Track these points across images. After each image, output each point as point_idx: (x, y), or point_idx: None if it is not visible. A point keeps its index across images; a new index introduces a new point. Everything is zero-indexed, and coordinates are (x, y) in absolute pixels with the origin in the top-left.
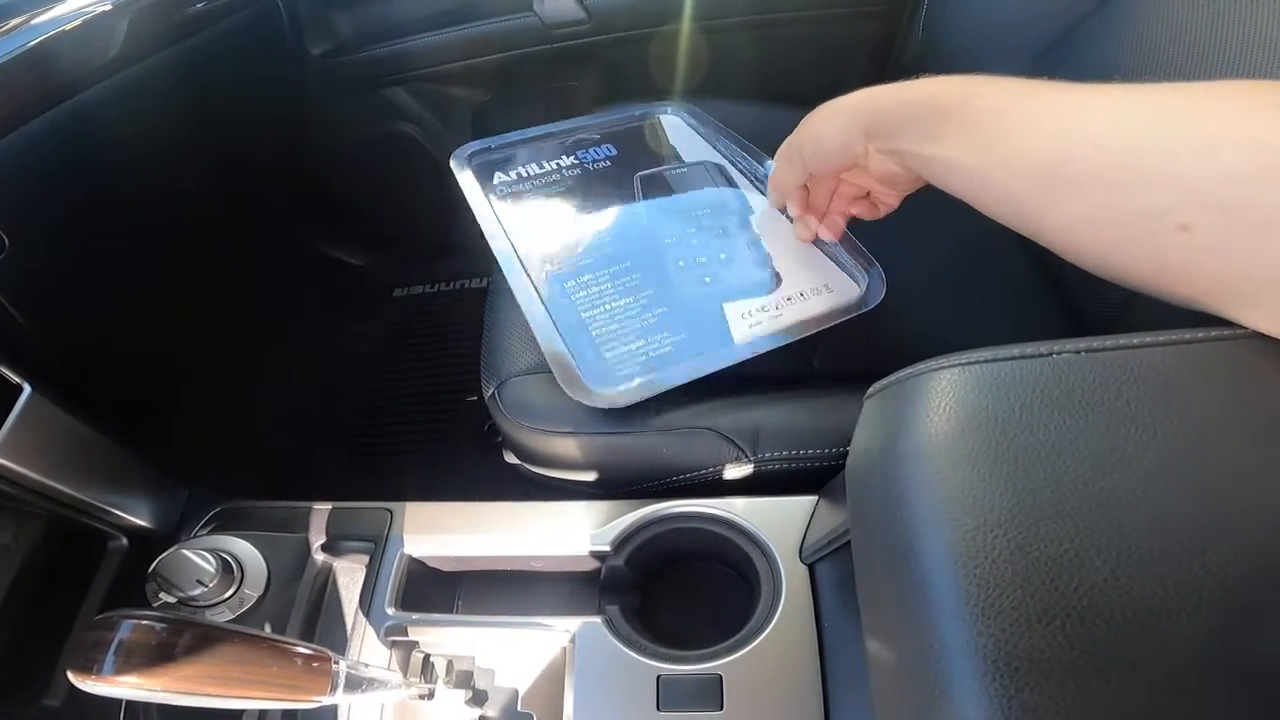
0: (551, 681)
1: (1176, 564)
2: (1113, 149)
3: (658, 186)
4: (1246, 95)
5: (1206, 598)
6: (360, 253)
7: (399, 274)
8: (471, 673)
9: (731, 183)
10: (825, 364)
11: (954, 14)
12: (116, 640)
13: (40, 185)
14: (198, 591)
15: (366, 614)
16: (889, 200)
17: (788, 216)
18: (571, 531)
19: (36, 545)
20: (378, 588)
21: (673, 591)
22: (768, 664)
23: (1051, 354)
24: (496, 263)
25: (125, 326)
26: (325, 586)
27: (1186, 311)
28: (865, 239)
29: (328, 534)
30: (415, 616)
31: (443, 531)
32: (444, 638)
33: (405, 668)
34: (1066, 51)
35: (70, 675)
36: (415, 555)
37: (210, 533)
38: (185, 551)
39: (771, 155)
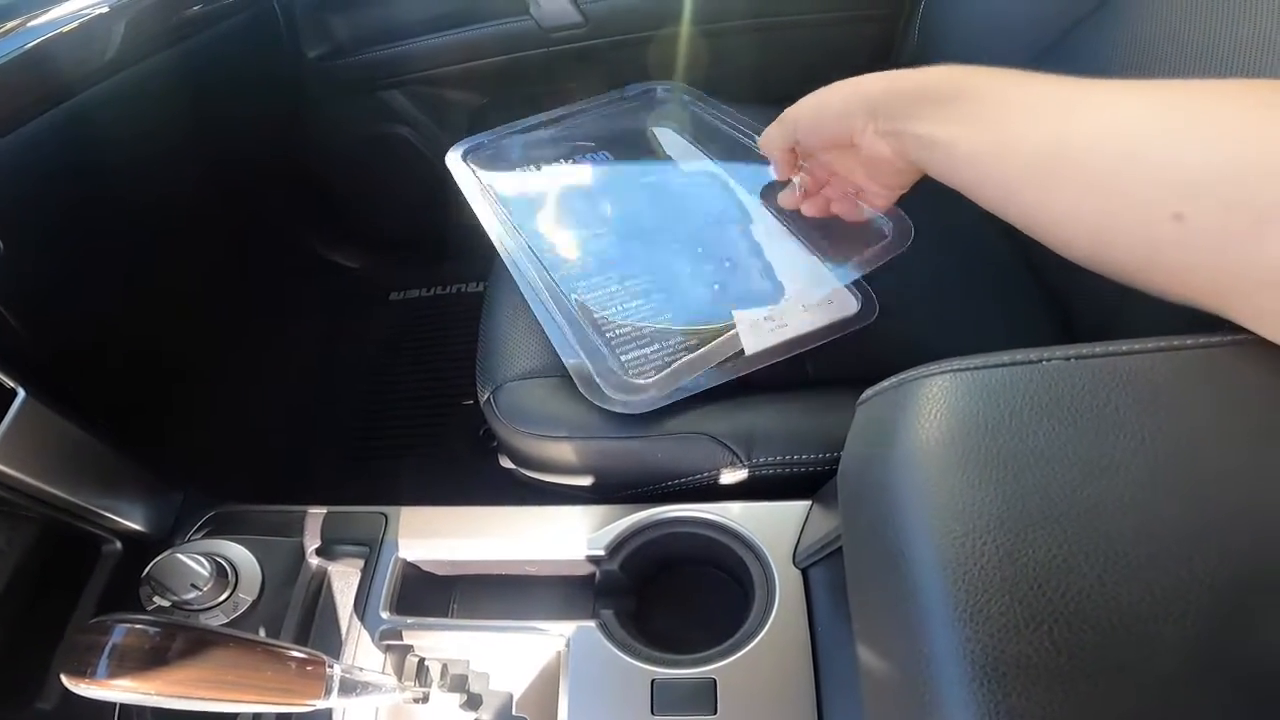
0: (546, 685)
1: (1164, 570)
2: (1113, 137)
3: (658, 193)
4: (1252, 93)
5: (1194, 603)
6: (357, 256)
7: (395, 277)
8: (466, 677)
9: (731, 193)
10: (820, 369)
11: (951, 17)
12: (110, 644)
13: (36, 187)
14: (192, 595)
15: (361, 618)
16: (875, 202)
17: (779, 218)
18: (566, 536)
19: (30, 549)
20: (372, 592)
21: (667, 596)
22: (761, 668)
23: (1042, 361)
24: (495, 267)
25: (120, 330)
26: (320, 590)
27: (1176, 320)
28: None
29: (322, 538)
30: (410, 620)
31: (438, 535)
32: (439, 642)
33: (400, 672)
34: (1063, 54)
35: (63, 679)
36: (410, 559)
37: (205, 537)
38: (179, 555)
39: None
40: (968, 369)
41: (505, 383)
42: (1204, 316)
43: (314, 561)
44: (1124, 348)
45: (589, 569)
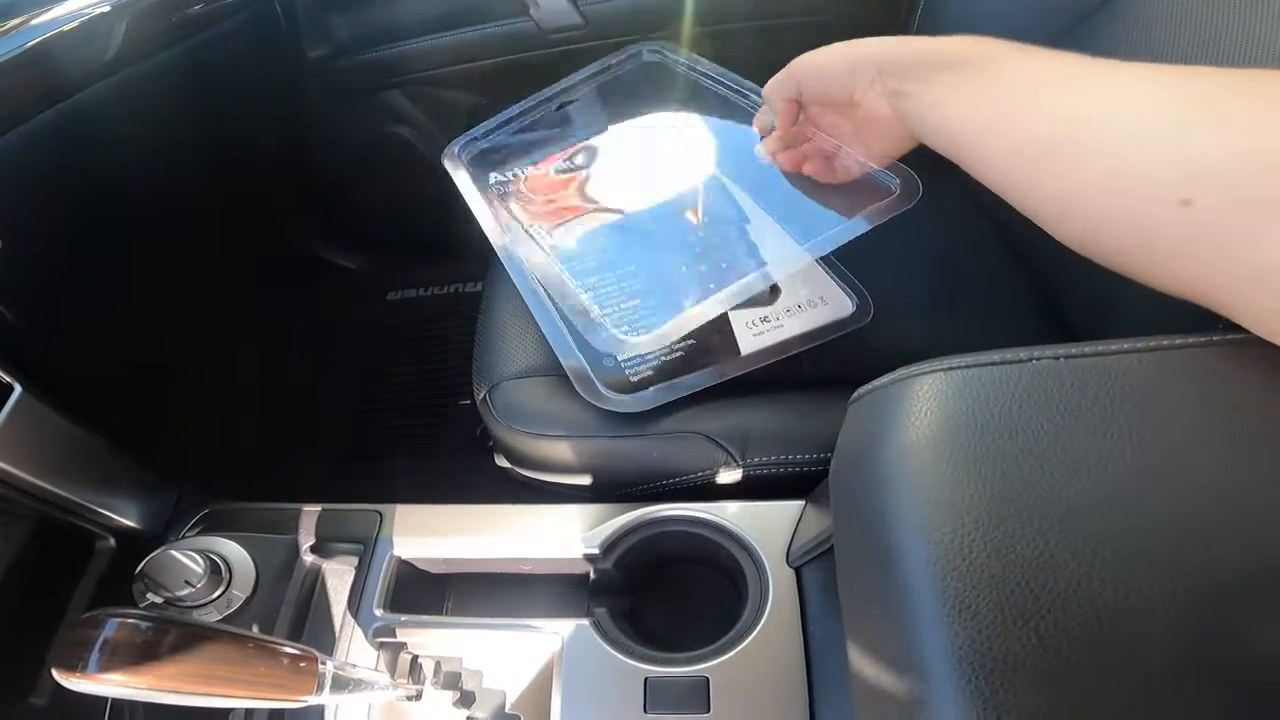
0: (539, 683)
1: (1150, 567)
2: (1126, 117)
3: (655, 190)
4: (1266, 83)
5: (1180, 601)
6: (355, 255)
7: (393, 277)
8: (459, 674)
9: (728, 194)
10: (815, 369)
11: (951, 18)
12: (102, 638)
13: (36, 185)
14: (185, 592)
15: (355, 615)
16: (852, 169)
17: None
18: (561, 534)
19: (24, 544)
20: (366, 589)
21: (661, 594)
22: (754, 666)
23: (1031, 360)
24: (492, 267)
25: (117, 327)
26: (314, 588)
27: (1169, 321)
28: (857, 248)
29: (317, 535)
30: (404, 618)
31: (432, 534)
32: (432, 639)
33: (393, 669)
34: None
35: (55, 673)
36: (405, 557)
37: (199, 533)
38: (173, 552)
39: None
40: (958, 368)
41: (501, 381)
42: (1197, 318)
43: (308, 559)
44: (1113, 347)
45: (583, 567)
